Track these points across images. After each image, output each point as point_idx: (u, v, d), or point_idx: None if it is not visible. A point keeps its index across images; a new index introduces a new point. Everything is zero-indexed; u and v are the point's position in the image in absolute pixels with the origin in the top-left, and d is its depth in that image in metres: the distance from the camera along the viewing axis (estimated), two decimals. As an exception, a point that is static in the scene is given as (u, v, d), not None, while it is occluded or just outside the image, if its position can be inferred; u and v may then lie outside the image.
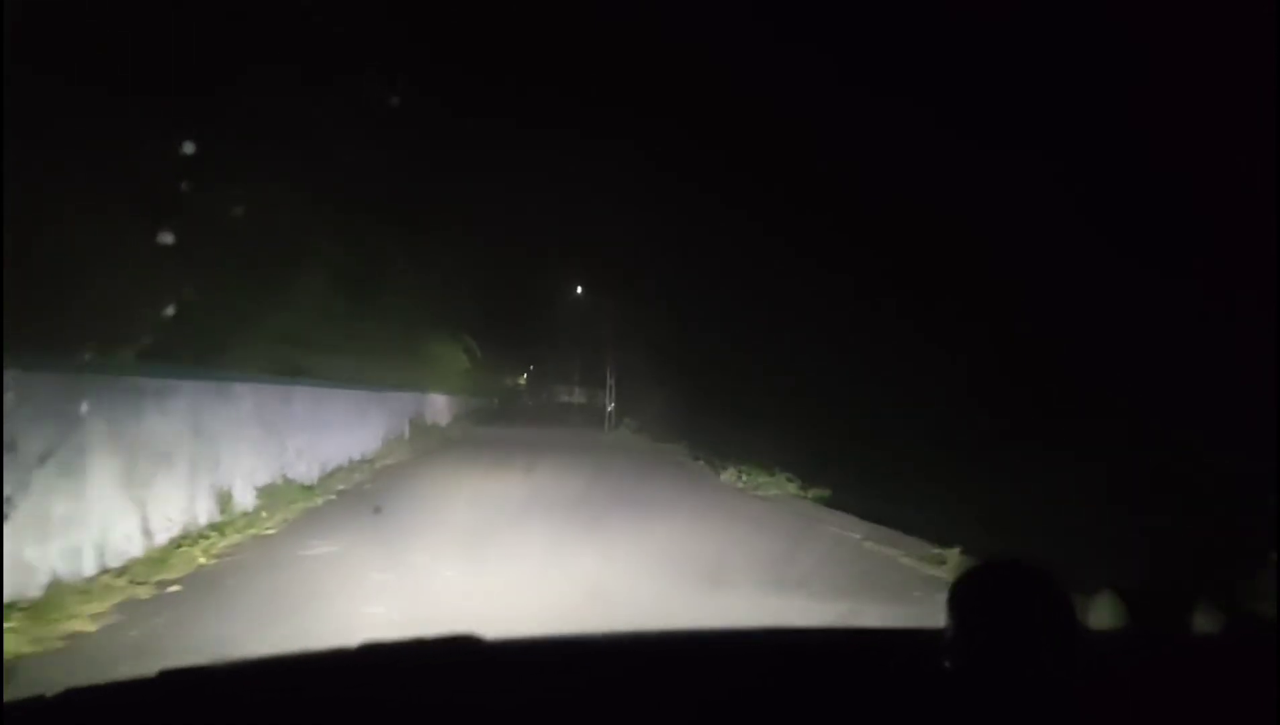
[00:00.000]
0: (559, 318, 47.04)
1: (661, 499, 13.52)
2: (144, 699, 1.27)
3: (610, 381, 34.91)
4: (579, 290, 38.29)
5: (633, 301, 33.51)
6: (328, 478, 13.63)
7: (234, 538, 8.38)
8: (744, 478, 16.37)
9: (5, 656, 4.25)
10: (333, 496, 12.17)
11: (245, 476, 10.03)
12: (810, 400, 17.72)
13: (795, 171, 17.32)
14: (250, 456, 10.32)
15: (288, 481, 11.39)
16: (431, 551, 7.76)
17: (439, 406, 30.88)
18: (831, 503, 13.57)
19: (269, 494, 10.39)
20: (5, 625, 4.74)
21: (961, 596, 1.34)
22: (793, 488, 15.34)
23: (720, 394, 23.55)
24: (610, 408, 34.46)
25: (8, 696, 1.28)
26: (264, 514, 9.73)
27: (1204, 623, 1.79)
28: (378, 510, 10.40)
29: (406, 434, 23.33)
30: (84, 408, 6.18)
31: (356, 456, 16.77)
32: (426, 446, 22.68)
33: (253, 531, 8.88)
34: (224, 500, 9.00)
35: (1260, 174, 7.11)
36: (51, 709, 1.20)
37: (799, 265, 18.24)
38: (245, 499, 9.84)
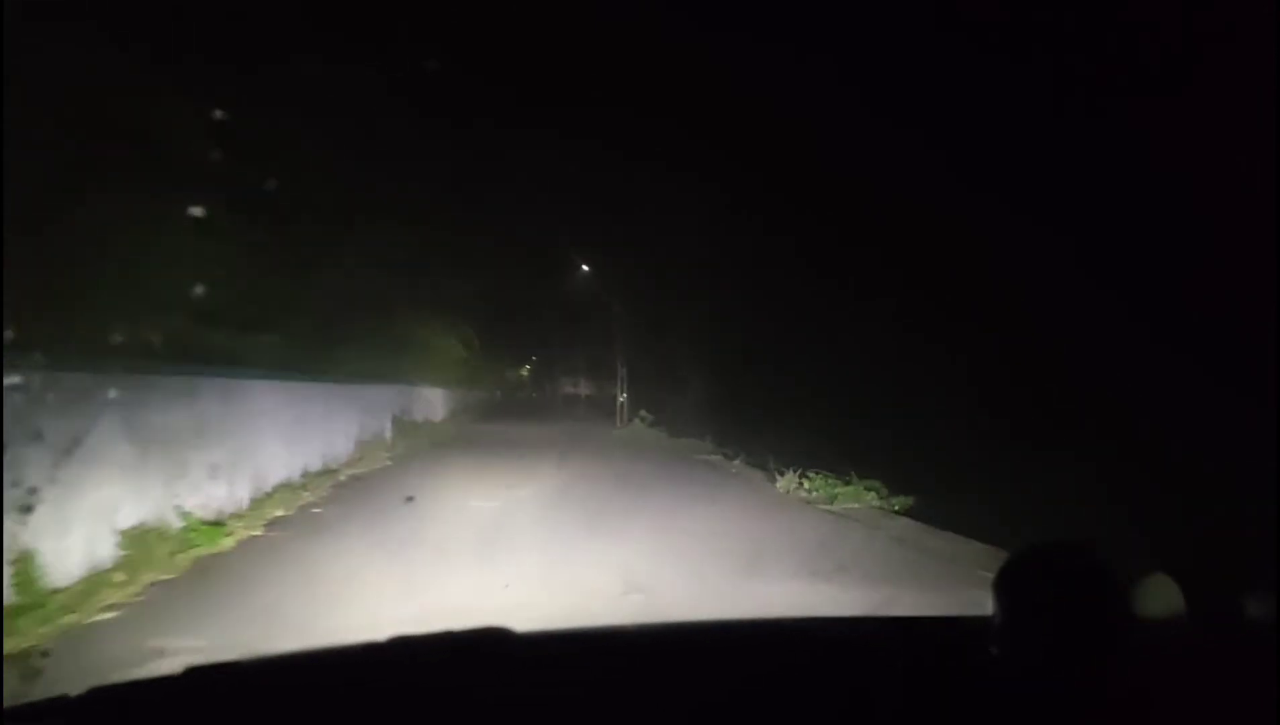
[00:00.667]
0: (566, 306, 43.50)
1: (720, 525, 9.78)
2: (170, 695, 1.24)
3: (621, 371, 31.28)
4: (588, 278, 34.58)
5: (646, 289, 30.08)
6: (264, 501, 10.09)
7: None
8: (807, 486, 12.73)
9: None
10: (256, 532, 8.61)
11: (95, 518, 6.49)
12: (830, 395, 15.91)
13: (823, 162, 15.93)
14: (111, 486, 6.77)
15: (185, 515, 7.84)
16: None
17: (432, 401, 27.36)
18: (931, 517, 10.06)
19: (138, 543, 6.81)
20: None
21: (1008, 582, 1.30)
22: (872, 498, 11.79)
23: (736, 388, 21.71)
24: (622, 399, 30.85)
25: (40, 694, 1.30)
26: (115, 579, 6.17)
27: (1257, 608, 1.44)
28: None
29: (388, 434, 19.83)
30: None
31: (316, 465, 13.26)
32: (411, 448, 19.15)
33: (62, 622, 5.32)
34: (25, 574, 5.39)
35: (1260, 173, 6.94)
36: (78, 706, 1.17)
37: (817, 257, 17.08)
38: (90, 555, 6.30)
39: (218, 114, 8.35)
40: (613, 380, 32.59)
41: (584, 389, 53.44)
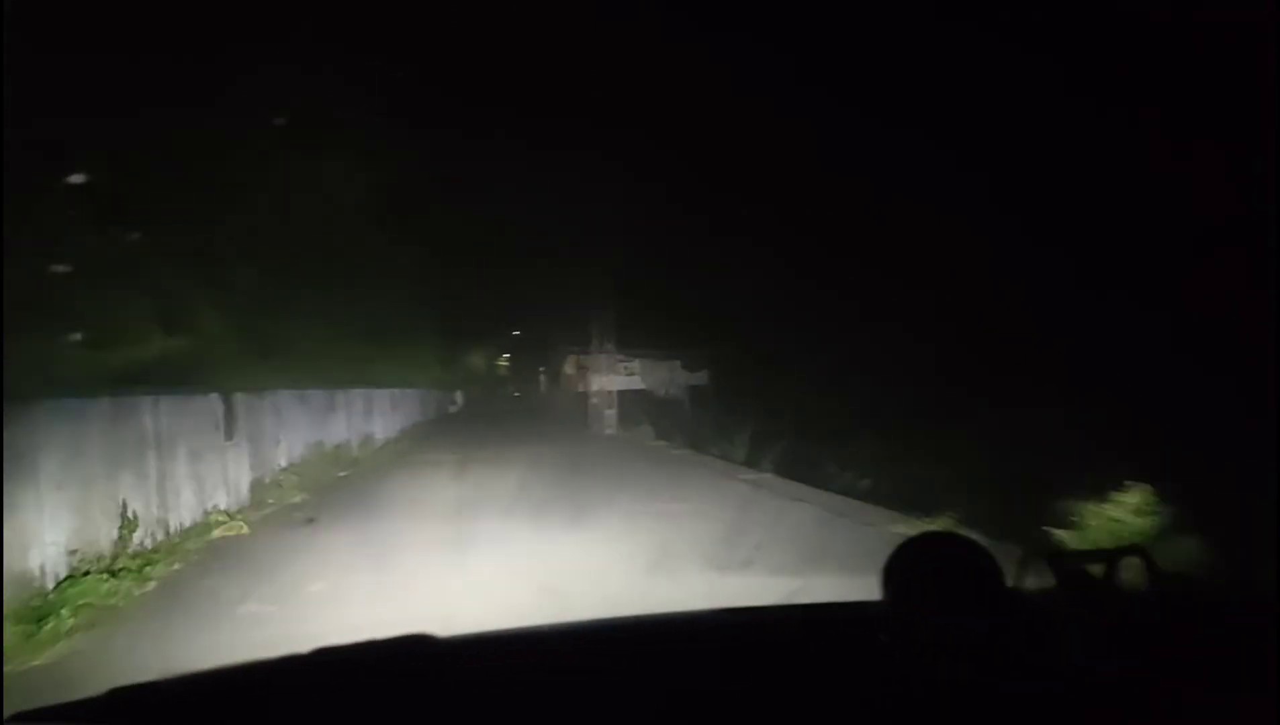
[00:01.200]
0: (547, 291, 37.09)
1: None
2: (93, 718, 1.24)
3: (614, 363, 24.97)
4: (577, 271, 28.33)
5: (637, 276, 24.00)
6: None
7: None
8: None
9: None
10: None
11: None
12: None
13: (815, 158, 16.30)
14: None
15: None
16: None
17: (343, 416, 21.01)
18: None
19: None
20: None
21: (893, 571, 1.37)
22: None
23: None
24: (599, 402, 24.51)
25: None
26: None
27: (1128, 579, 1.56)
28: None
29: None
30: None
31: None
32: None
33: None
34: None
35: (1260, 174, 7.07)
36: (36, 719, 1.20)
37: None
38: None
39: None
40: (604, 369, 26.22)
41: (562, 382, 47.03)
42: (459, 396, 56.13)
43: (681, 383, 40.39)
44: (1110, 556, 1.44)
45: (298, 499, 12.32)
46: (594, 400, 25.63)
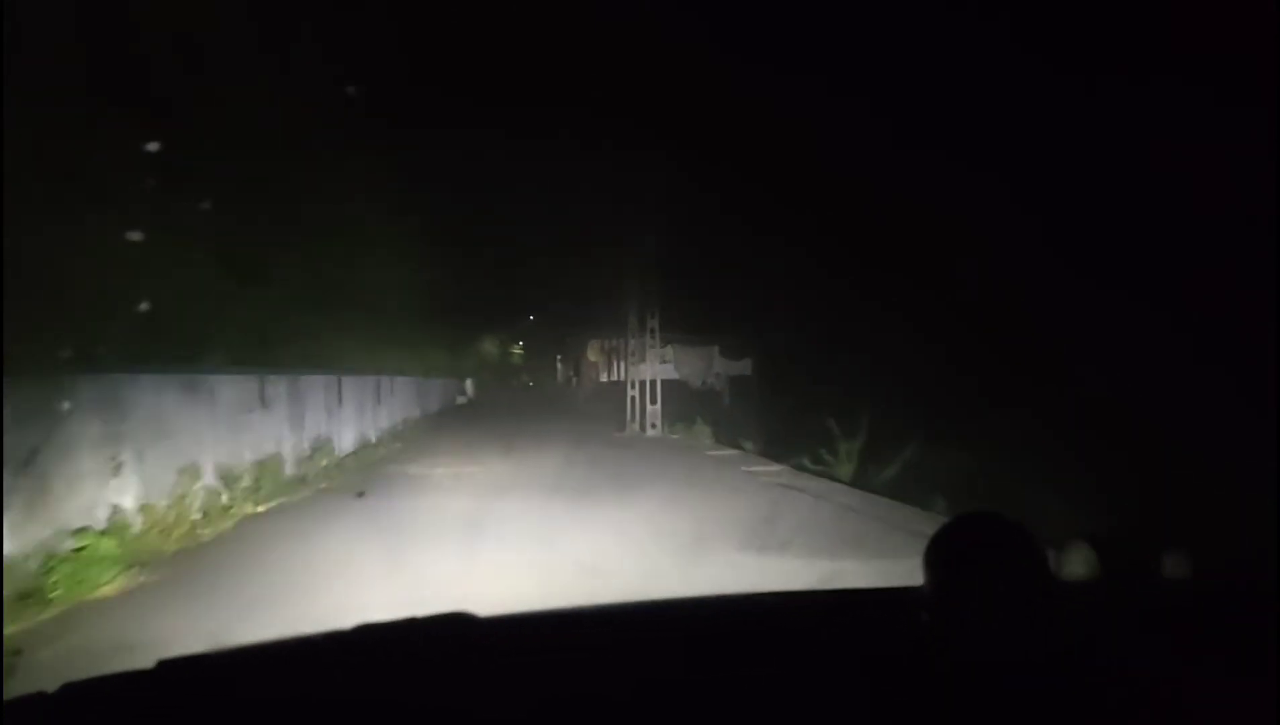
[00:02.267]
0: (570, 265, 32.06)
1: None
2: (143, 690, 1.26)
3: (655, 351, 19.85)
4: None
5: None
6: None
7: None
8: None
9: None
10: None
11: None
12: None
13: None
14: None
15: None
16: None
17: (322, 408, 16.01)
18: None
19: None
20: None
21: (936, 551, 1.34)
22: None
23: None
24: (637, 396, 19.40)
25: (12, 692, 1.28)
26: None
27: (1174, 568, 1.60)
28: None
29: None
30: None
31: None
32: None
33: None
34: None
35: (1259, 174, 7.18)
36: (52, 704, 1.19)
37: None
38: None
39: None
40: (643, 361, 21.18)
41: (589, 372, 41.89)
42: (469, 386, 51.44)
43: (720, 372, 35.29)
44: (1155, 546, 1.48)
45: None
46: (631, 392, 20.59)
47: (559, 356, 58.20)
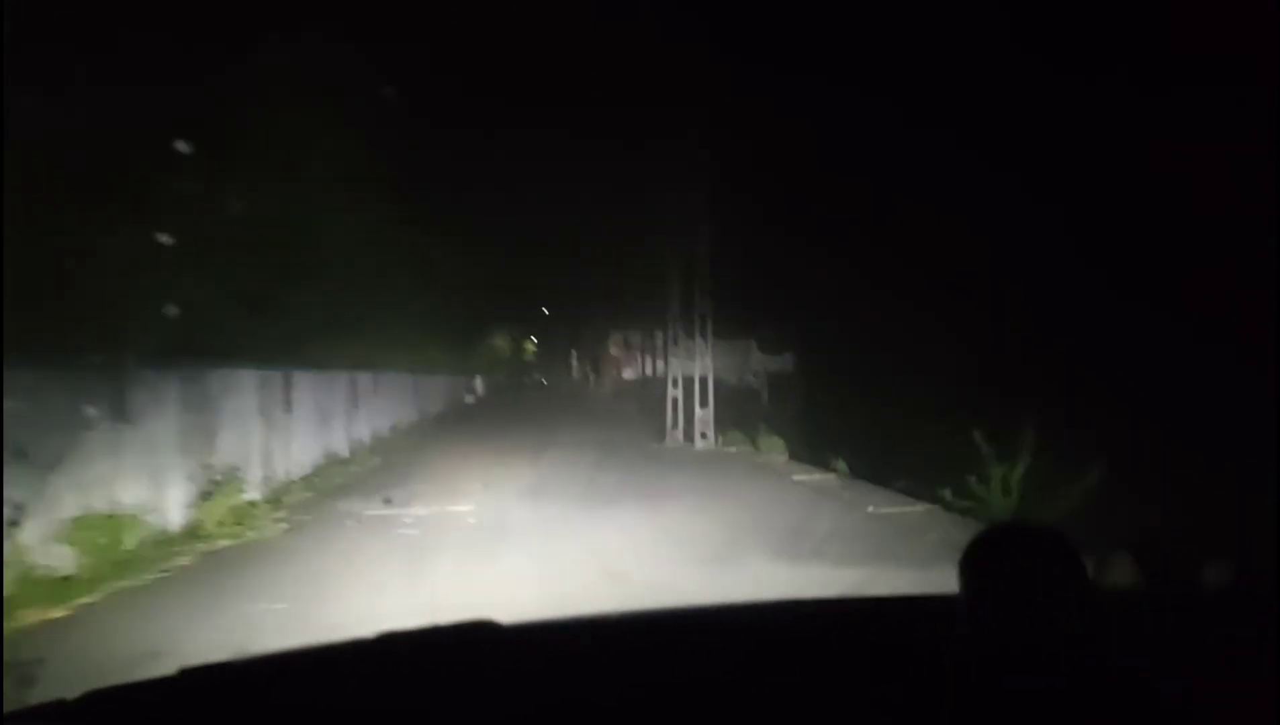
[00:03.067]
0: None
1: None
2: (165, 697, 1.25)
3: (699, 344, 15.46)
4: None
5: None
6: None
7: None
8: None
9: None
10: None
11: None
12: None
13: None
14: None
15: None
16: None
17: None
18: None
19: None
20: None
21: (973, 561, 1.29)
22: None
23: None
24: (680, 397, 15.07)
25: (37, 698, 1.29)
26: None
27: (1214, 576, 1.55)
28: None
29: None
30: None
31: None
32: None
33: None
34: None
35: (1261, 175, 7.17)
36: (74, 712, 1.18)
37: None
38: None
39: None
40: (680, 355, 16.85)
41: (616, 369, 37.50)
42: (478, 383, 47.29)
43: (759, 369, 30.93)
44: (1196, 556, 1.41)
45: None
46: (673, 392, 16.25)
47: (574, 352, 54.01)
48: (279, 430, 11.17)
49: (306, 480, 11.56)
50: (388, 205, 15.96)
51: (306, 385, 12.80)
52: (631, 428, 20.36)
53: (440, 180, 22.76)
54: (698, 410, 15.14)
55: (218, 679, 1.29)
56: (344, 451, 14.48)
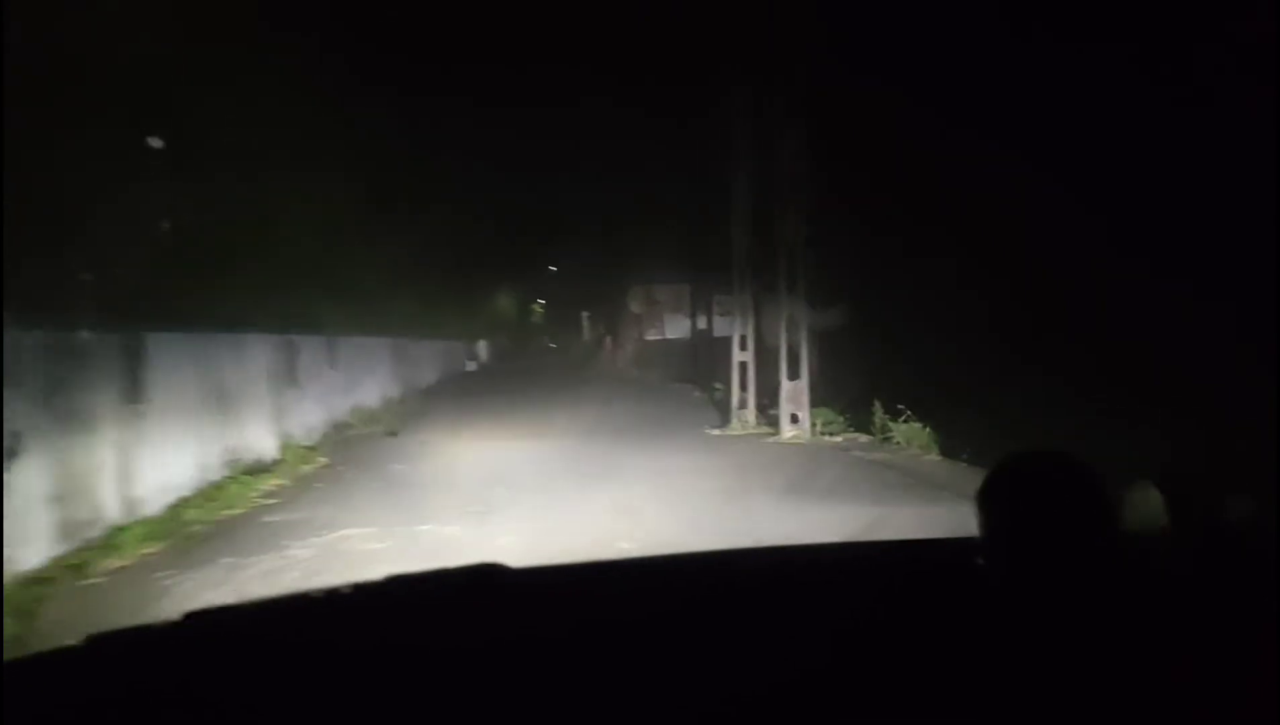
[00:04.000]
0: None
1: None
2: (171, 641, 1.24)
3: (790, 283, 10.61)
4: None
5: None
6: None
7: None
8: None
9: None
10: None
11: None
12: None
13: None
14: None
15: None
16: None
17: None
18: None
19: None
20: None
21: (993, 493, 1.24)
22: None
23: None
24: (750, 363, 10.34)
25: (42, 645, 1.28)
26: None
27: (1238, 509, 1.37)
28: None
29: None
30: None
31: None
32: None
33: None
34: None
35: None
36: (80, 656, 1.17)
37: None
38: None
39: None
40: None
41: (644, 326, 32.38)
42: (482, 348, 42.59)
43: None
44: (1224, 494, 1.32)
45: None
46: (740, 356, 11.48)
47: (585, 313, 49.12)
48: (131, 432, 6.48)
49: (164, 522, 6.84)
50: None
51: (198, 356, 8.16)
52: (667, 403, 15.68)
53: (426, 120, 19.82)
54: (784, 382, 10.35)
55: (222, 622, 1.27)
56: (268, 454, 9.75)
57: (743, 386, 11.60)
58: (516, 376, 27.24)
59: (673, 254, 25.95)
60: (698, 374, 20.45)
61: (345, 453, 10.74)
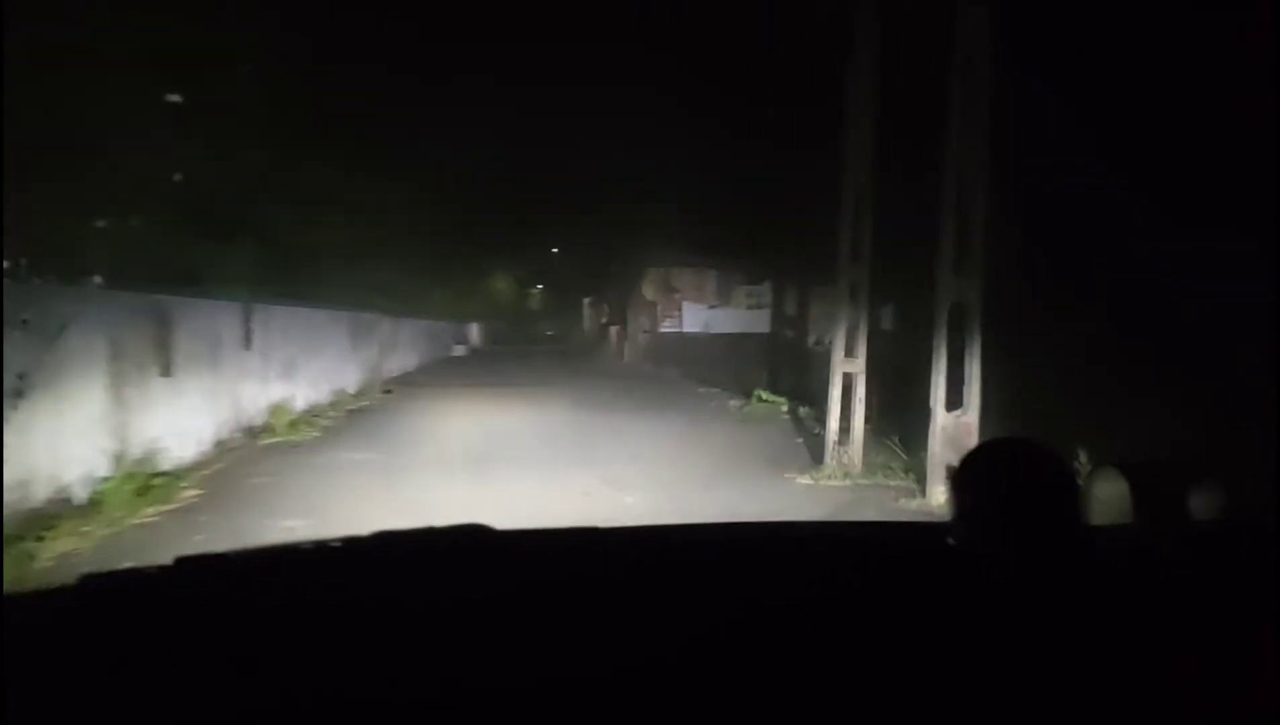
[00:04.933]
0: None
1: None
2: (161, 584, 1.24)
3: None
4: None
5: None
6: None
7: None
8: None
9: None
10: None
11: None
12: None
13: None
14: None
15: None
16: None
17: None
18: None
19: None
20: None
21: (966, 475, 1.30)
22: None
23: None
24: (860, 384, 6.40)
25: (36, 583, 1.44)
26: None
27: (1204, 500, 1.42)
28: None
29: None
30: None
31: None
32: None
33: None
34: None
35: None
36: (72, 595, 1.18)
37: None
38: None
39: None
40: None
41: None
42: (473, 331, 38.67)
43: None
44: (1187, 474, 1.36)
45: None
46: (845, 366, 7.52)
47: (588, 299, 45.06)
48: None
49: None
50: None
51: None
52: (710, 421, 11.66)
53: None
54: (938, 413, 6.25)
55: (213, 568, 1.27)
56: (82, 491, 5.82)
57: (844, 411, 7.60)
58: (511, 364, 23.26)
59: (693, 235, 22.02)
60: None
61: (220, 488, 6.74)
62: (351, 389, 13.95)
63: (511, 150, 32.85)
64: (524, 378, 18.84)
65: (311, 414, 10.85)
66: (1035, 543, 1.18)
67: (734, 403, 13.53)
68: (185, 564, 1.24)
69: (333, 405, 12.21)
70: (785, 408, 11.97)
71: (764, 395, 12.27)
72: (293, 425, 9.68)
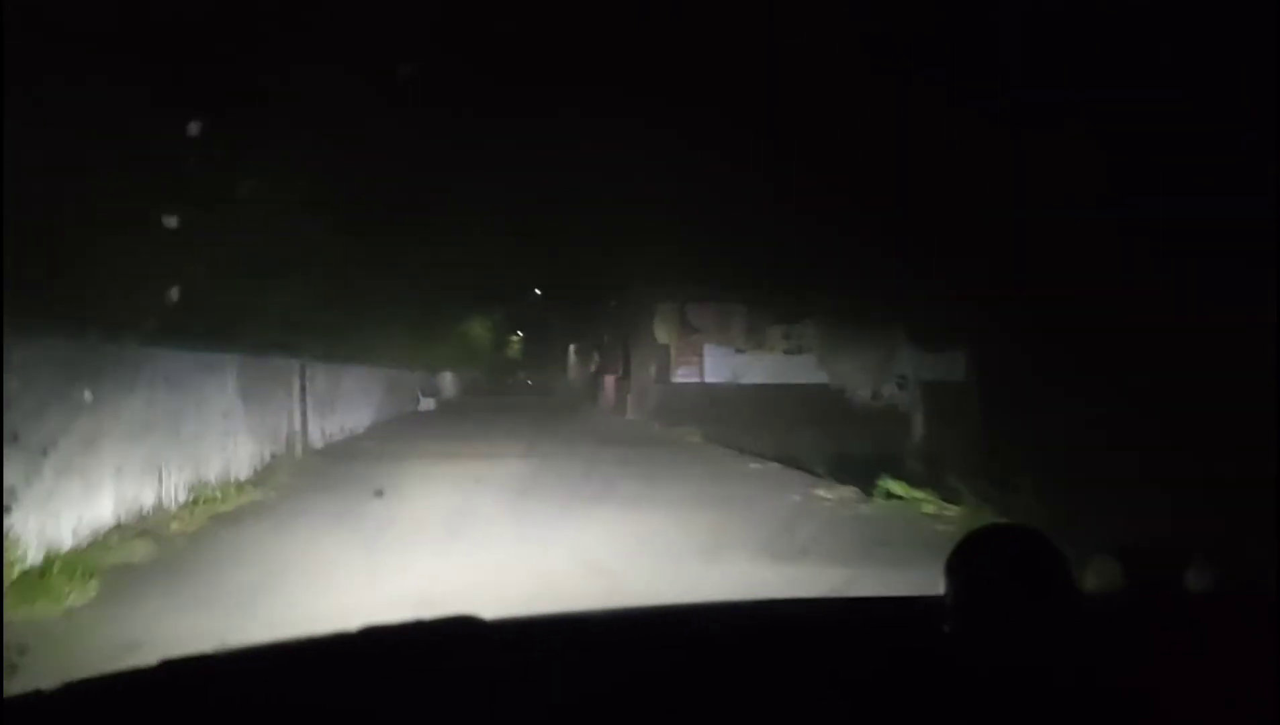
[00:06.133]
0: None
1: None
2: (144, 689, 1.21)
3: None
4: None
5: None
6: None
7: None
8: None
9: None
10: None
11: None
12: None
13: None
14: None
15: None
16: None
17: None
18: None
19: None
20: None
21: (960, 562, 1.26)
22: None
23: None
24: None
25: (12, 690, 1.23)
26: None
27: (1198, 582, 1.44)
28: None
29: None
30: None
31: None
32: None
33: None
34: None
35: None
36: (51, 702, 1.13)
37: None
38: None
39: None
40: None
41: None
42: (445, 382, 33.77)
43: (908, 374, 18.27)
44: (1181, 558, 1.37)
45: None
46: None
47: (573, 346, 40.37)
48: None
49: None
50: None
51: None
52: (798, 527, 6.81)
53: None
54: None
55: (198, 671, 1.24)
56: None
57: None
58: (485, 421, 18.43)
59: (713, 265, 17.53)
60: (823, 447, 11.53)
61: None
62: (243, 472, 9.06)
63: (493, 175, 28.49)
64: (500, 441, 14.06)
65: (123, 536, 5.94)
66: (1030, 629, 1.16)
67: (823, 492, 8.74)
68: (169, 666, 1.21)
69: (189, 508, 7.33)
70: (929, 508, 7.26)
71: (894, 487, 7.52)
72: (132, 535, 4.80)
